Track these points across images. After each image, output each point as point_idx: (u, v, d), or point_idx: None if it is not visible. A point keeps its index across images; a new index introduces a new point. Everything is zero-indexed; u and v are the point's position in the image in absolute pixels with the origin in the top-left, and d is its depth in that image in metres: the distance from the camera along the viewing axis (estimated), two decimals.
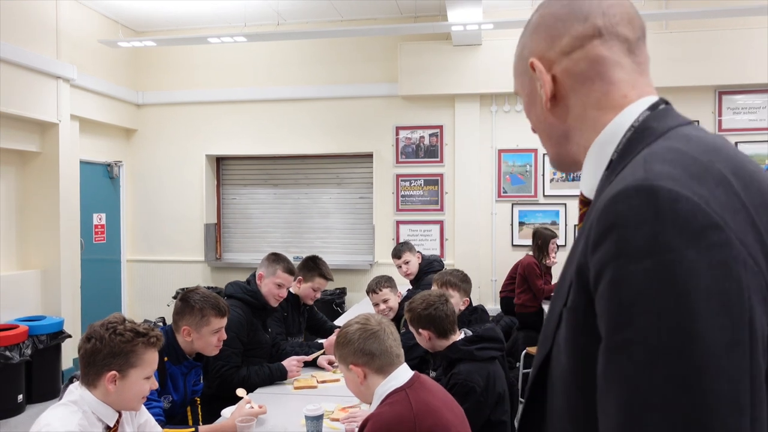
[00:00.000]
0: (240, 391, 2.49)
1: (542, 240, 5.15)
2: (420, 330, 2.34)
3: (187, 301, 2.38)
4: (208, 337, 2.37)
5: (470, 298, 3.02)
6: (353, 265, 6.48)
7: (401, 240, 6.29)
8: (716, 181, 0.65)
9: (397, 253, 4.41)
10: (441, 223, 6.35)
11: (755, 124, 5.90)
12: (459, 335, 2.33)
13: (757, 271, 0.62)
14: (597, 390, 0.65)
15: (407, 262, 4.31)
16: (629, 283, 0.62)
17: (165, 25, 6.66)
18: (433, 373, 2.75)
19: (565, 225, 6.16)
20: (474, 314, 2.75)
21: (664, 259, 0.60)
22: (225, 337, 2.44)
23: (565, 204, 6.17)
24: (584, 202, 0.85)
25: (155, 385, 1.86)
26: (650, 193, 0.63)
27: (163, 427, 2.11)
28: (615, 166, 0.76)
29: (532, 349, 4.64)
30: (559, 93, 0.84)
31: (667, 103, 0.83)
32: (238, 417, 2.25)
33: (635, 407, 0.60)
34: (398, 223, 6.41)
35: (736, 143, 5.88)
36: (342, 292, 6.27)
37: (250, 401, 2.36)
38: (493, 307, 6.11)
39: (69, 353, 5.54)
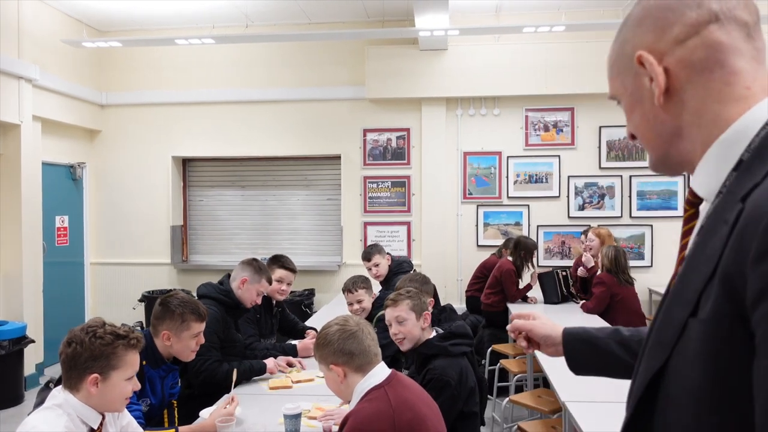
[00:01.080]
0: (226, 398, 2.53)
1: (525, 250, 5.26)
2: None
3: (167, 305, 2.41)
4: (188, 341, 2.41)
5: (436, 298, 3.12)
6: (321, 266, 6.54)
7: (369, 241, 6.38)
8: None
9: (366, 256, 4.49)
10: (408, 224, 6.47)
11: None
12: (431, 333, 2.44)
13: None
14: (756, 406, 0.60)
15: (377, 265, 4.40)
16: None
17: (131, 25, 6.59)
18: (406, 371, 2.85)
19: (528, 225, 6.35)
20: (443, 313, 2.86)
21: None
22: (203, 341, 2.48)
23: (528, 205, 6.35)
24: (692, 202, 0.82)
25: (137, 386, 1.90)
26: None
27: (143, 429, 2.14)
28: (748, 165, 0.71)
29: (498, 346, 4.79)
30: (672, 86, 0.78)
31: None
32: (217, 417, 2.29)
33: None
34: (366, 224, 6.50)
35: None
36: (311, 293, 6.32)
37: (233, 399, 2.41)
38: (459, 306, 6.25)
39: (31, 358, 5.44)
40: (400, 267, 4.35)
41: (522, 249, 5.26)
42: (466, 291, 5.99)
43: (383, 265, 4.39)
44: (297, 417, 2.29)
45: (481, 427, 4.36)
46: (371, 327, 2.00)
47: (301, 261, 6.59)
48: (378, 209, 6.50)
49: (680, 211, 6.09)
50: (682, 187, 6.18)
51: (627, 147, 6.26)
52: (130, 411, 2.14)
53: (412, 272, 3.37)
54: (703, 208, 0.79)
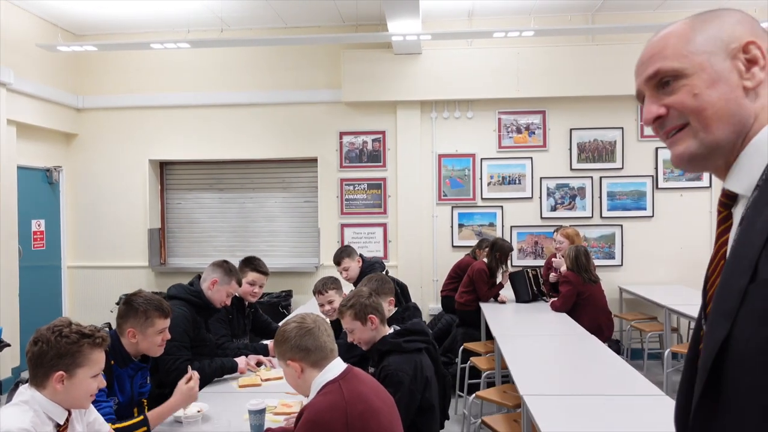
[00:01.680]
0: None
1: (501, 252, 5.35)
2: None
3: (130, 304, 2.47)
4: (153, 338, 2.47)
5: (405, 296, 3.21)
6: (299, 267, 6.61)
7: (346, 242, 6.46)
8: None
9: (336, 260, 4.58)
10: (384, 225, 6.56)
11: None
12: (388, 330, 2.53)
13: None
14: None
15: (346, 269, 4.48)
16: None
17: (106, 29, 6.61)
18: (372, 369, 2.94)
19: (502, 226, 6.47)
20: (407, 311, 2.95)
21: None
22: (168, 337, 2.54)
23: (501, 206, 6.47)
24: (725, 204, 0.89)
25: (103, 383, 1.97)
26: None
27: (113, 424, 2.21)
28: None
29: (469, 345, 4.90)
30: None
31: None
32: (182, 389, 2.39)
33: None
34: (343, 226, 6.58)
35: (657, 149, 6.34)
36: (288, 294, 6.38)
37: (193, 376, 2.49)
38: (435, 306, 6.37)
39: (7, 362, 5.45)
40: (371, 268, 4.44)
41: (497, 251, 5.36)
42: (441, 291, 6.09)
43: (353, 268, 4.47)
44: (261, 412, 2.36)
45: (452, 423, 4.48)
46: (328, 324, 2.08)
47: (278, 263, 6.69)
48: (354, 211, 6.58)
49: (649, 211, 6.28)
50: (650, 188, 6.34)
51: (597, 149, 6.41)
52: (99, 409, 2.21)
53: (373, 273, 3.45)
54: (737, 212, 0.85)
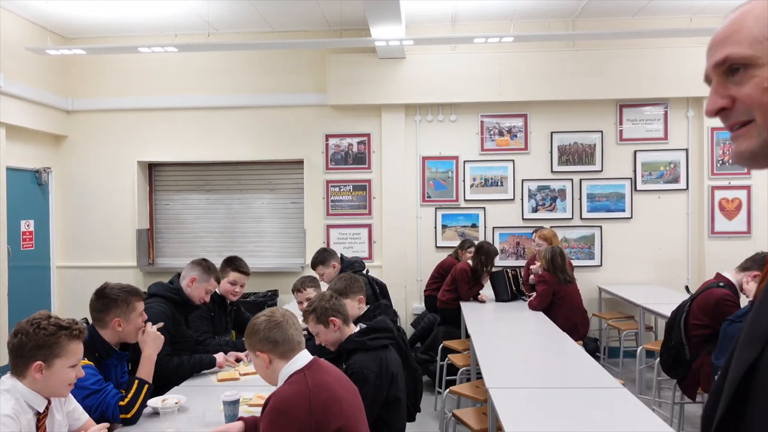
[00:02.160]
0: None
1: (486, 256, 5.45)
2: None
3: (107, 297, 2.59)
4: (136, 320, 2.64)
5: (385, 294, 3.33)
6: (285, 267, 6.71)
7: (332, 243, 6.59)
8: None
9: (313, 265, 4.71)
10: (369, 226, 6.68)
11: (651, 134, 6.51)
12: (353, 329, 2.66)
13: None
14: None
15: (322, 274, 4.61)
16: None
17: (95, 33, 6.71)
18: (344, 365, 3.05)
19: (485, 227, 6.59)
20: (378, 309, 3.07)
21: None
22: (146, 317, 2.72)
23: (484, 208, 6.60)
24: None
25: (81, 373, 2.08)
26: None
27: (118, 401, 2.42)
28: None
29: (449, 343, 5.02)
30: None
31: None
32: (146, 339, 2.68)
33: None
34: (328, 227, 6.69)
35: (635, 152, 6.49)
36: (274, 294, 6.49)
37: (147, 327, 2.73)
38: (419, 305, 6.49)
39: None
40: (351, 267, 4.55)
41: (483, 254, 5.47)
42: (425, 290, 6.22)
43: (328, 273, 4.58)
44: (235, 403, 2.48)
45: (431, 418, 4.60)
46: (296, 319, 2.20)
47: (265, 263, 6.80)
48: (340, 212, 6.70)
49: (627, 213, 6.42)
50: (629, 190, 6.49)
51: (577, 152, 6.55)
52: (107, 394, 2.40)
53: (345, 273, 3.58)
54: None
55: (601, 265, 6.50)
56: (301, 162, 6.75)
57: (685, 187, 6.46)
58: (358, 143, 6.72)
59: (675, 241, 6.42)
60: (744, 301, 3.59)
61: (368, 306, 3.19)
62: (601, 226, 6.50)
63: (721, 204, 6.33)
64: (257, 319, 2.15)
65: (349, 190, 6.71)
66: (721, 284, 3.68)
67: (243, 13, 6.18)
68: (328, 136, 6.73)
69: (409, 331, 6.21)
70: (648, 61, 6.31)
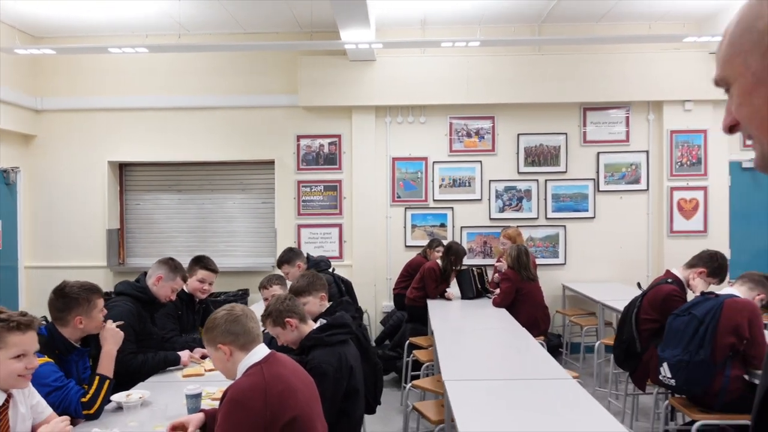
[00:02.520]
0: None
1: (456, 256, 5.60)
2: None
3: (67, 295, 2.65)
4: (97, 316, 2.71)
5: (351, 293, 3.43)
6: (256, 267, 6.78)
7: (303, 243, 6.68)
8: None
9: (278, 265, 4.80)
10: (340, 226, 6.77)
11: (614, 137, 6.72)
12: (313, 326, 2.76)
13: None
14: None
15: (287, 273, 4.69)
16: None
17: (65, 32, 6.69)
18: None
19: (453, 227, 6.74)
20: (340, 306, 3.17)
21: None
22: (105, 312, 2.79)
23: (452, 207, 6.74)
24: None
25: (33, 364, 2.13)
26: None
27: (80, 398, 2.48)
28: None
29: (415, 339, 5.14)
30: None
31: None
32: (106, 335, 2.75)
33: None
34: (299, 226, 6.77)
35: (598, 153, 6.68)
36: (245, 293, 6.55)
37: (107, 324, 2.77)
38: (388, 304, 6.61)
39: None
40: (316, 266, 4.65)
41: (452, 254, 5.62)
42: (394, 289, 6.34)
43: (293, 272, 4.65)
44: (197, 396, 2.56)
45: (396, 412, 4.71)
46: (255, 314, 2.30)
47: (236, 262, 6.86)
48: (311, 212, 6.78)
49: (590, 213, 6.61)
50: (592, 191, 6.68)
51: (542, 153, 6.73)
52: (69, 391, 2.45)
53: (308, 271, 3.67)
54: None
55: (565, 263, 6.68)
56: (272, 162, 6.81)
57: (646, 188, 6.68)
58: (329, 144, 6.81)
59: (636, 240, 6.64)
60: (691, 297, 3.76)
61: (331, 303, 3.29)
62: (565, 226, 6.69)
63: (680, 204, 6.57)
64: (217, 314, 2.24)
65: (320, 190, 6.80)
66: (670, 281, 3.86)
67: (214, 14, 6.23)
68: (299, 137, 6.81)
69: (379, 329, 6.33)
70: (611, 65, 6.51)
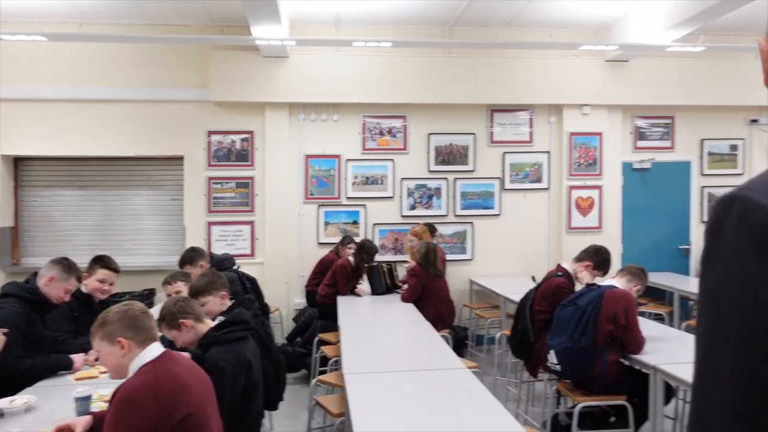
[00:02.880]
0: None
1: (368, 254, 5.69)
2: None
3: None
4: None
5: (243, 290, 3.43)
6: (163, 265, 6.57)
7: (213, 240, 6.57)
8: None
9: (180, 265, 4.70)
10: (252, 223, 6.71)
11: (518, 138, 7.05)
12: (210, 324, 2.76)
13: None
14: None
15: (189, 273, 4.60)
16: (702, 283, 0.70)
17: None
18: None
19: (365, 224, 6.84)
20: (242, 303, 3.18)
21: (728, 267, 0.65)
22: None
23: (365, 205, 6.85)
24: None
25: None
26: (728, 203, 0.66)
27: None
28: None
29: (324, 335, 5.20)
30: None
31: None
32: None
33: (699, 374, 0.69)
34: (210, 224, 6.65)
35: (504, 153, 6.99)
36: (151, 292, 6.37)
37: None
38: (300, 301, 6.62)
39: None
40: (220, 264, 4.61)
41: (365, 252, 5.71)
42: (306, 286, 6.37)
43: (195, 272, 4.52)
44: (86, 399, 2.50)
45: (305, 408, 4.74)
46: (151, 313, 2.28)
47: (143, 261, 6.66)
48: (222, 209, 6.68)
49: (496, 210, 6.90)
50: (498, 189, 6.98)
51: (452, 152, 6.95)
52: None
53: (208, 270, 3.65)
54: None
55: (472, 259, 6.95)
56: (181, 158, 6.65)
57: (547, 187, 7.05)
58: (242, 140, 6.73)
59: (537, 235, 7.00)
60: (579, 289, 4.04)
61: (233, 301, 3.29)
62: (472, 223, 6.95)
63: (577, 202, 6.99)
64: (114, 308, 2.20)
65: (232, 187, 6.71)
66: (560, 274, 4.13)
67: (119, 3, 5.99)
68: (210, 133, 6.69)
69: (291, 326, 6.34)
70: (516, 69, 6.82)
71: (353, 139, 6.87)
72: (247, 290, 4.53)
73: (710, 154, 7.31)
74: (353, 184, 6.84)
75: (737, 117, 7.31)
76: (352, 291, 5.66)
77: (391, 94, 6.71)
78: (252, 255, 6.63)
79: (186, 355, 2.58)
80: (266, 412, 3.37)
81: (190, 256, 4.64)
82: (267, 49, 6.35)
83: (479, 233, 6.96)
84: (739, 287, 0.65)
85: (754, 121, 7.30)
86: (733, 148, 7.34)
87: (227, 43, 6.24)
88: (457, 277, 6.80)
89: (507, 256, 6.96)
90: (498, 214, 6.98)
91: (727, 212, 0.66)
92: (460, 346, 6.09)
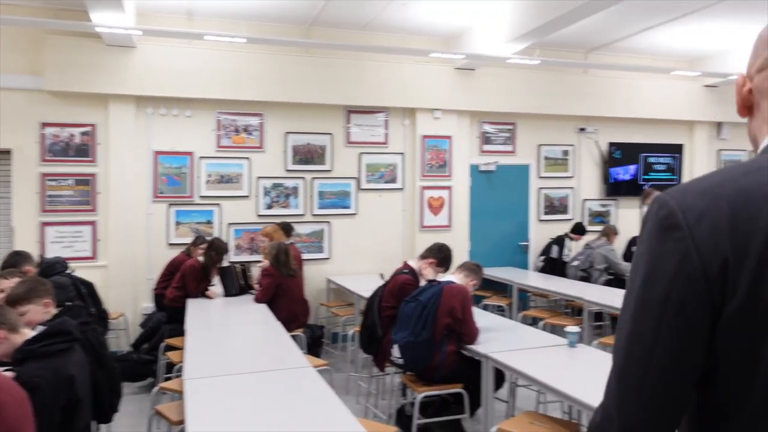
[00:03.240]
0: None
1: (216, 252, 5.52)
2: None
3: None
4: None
5: (79, 296, 3.20)
6: None
7: (47, 243, 6.04)
8: (720, 198, 0.83)
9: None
10: (93, 223, 6.25)
11: (374, 139, 7.24)
12: (29, 335, 2.54)
13: (697, 263, 0.83)
14: None
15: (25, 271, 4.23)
16: (633, 261, 0.92)
17: None
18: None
19: (220, 224, 6.65)
20: (69, 311, 2.96)
21: (643, 245, 0.90)
22: None
23: (219, 204, 6.65)
24: None
25: None
26: (653, 201, 0.90)
27: None
28: None
29: (171, 340, 4.98)
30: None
31: None
32: None
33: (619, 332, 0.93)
34: (44, 224, 6.09)
35: (360, 154, 7.14)
36: None
37: None
38: (148, 305, 6.29)
39: None
40: (52, 268, 4.26)
41: (213, 250, 5.55)
42: (155, 289, 6.05)
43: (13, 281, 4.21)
44: None
45: (143, 417, 4.52)
46: None
47: None
48: (59, 209, 6.14)
49: (353, 209, 7.03)
50: (354, 189, 7.13)
51: (309, 151, 6.98)
52: None
53: (31, 276, 3.37)
54: None
55: (330, 257, 7.03)
56: (8, 152, 6.02)
57: (401, 187, 7.32)
58: (81, 134, 6.24)
59: (392, 234, 7.25)
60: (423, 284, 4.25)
61: (60, 308, 3.05)
62: (329, 222, 7.03)
63: (429, 202, 7.33)
64: None
65: (71, 184, 6.20)
66: (406, 271, 4.32)
67: None
68: (44, 125, 6.12)
69: (138, 332, 5.99)
70: (373, 72, 6.99)
71: (207, 136, 6.65)
72: (82, 296, 4.22)
73: (546, 158, 8.02)
74: (207, 182, 6.62)
75: (569, 125, 8.10)
76: (203, 293, 5.48)
77: (247, 91, 6.59)
78: (93, 258, 6.18)
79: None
80: (104, 425, 3.17)
81: (14, 260, 4.21)
82: (110, 38, 5.95)
83: (336, 232, 7.06)
84: (645, 258, 0.89)
85: (582, 129, 8.13)
86: (565, 153, 8.12)
87: (62, 28, 5.75)
88: (314, 276, 6.84)
89: (363, 255, 7.12)
90: (354, 214, 7.12)
91: (651, 208, 0.90)
92: (316, 345, 6.15)
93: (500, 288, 7.13)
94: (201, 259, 5.56)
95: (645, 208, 6.90)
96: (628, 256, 7.55)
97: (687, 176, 8.59)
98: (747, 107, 0.99)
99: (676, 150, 8.49)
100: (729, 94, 8.51)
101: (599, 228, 7.50)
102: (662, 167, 8.41)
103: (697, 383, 0.88)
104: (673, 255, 0.84)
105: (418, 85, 7.14)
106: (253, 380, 3.06)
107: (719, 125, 8.78)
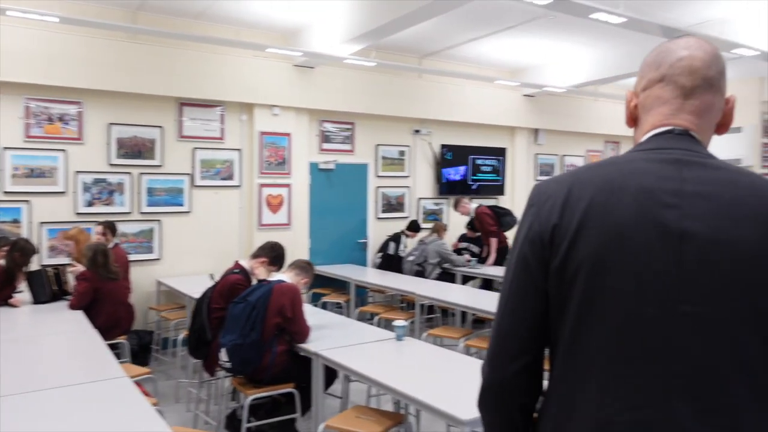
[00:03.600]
0: None
1: (21, 253, 4.93)
2: None
3: None
4: None
5: None
6: None
7: None
8: (565, 184, 1.11)
9: None
10: None
11: (210, 134, 6.95)
12: None
13: (537, 231, 1.11)
14: None
15: None
16: None
17: None
18: None
19: (30, 222, 5.96)
20: None
21: (521, 218, 1.19)
22: None
23: (28, 201, 5.96)
24: None
25: None
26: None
27: None
28: None
29: None
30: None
31: (670, 132, 1.12)
32: None
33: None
34: None
35: (194, 149, 6.81)
36: None
37: None
38: None
39: None
40: None
41: (17, 251, 4.95)
42: None
43: None
44: None
45: None
46: None
47: None
48: None
49: (187, 207, 6.70)
50: (188, 185, 6.79)
51: (137, 145, 6.51)
52: None
53: None
54: None
55: (160, 258, 6.62)
56: None
57: (239, 184, 7.12)
58: None
59: (229, 232, 7.03)
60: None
61: None
62: (160, 220, 6.62)
63: (268, 200, 7.21)
64: None
65: None
66: (237, 271, 4.20)
67: None
68: None
69: None
70: (208, 64, 6.69)
71: (13, 125, 5.92)
72: None
73: (383, 158, 8.28)
74: (13, 176, 5.90)
75: (404, 127, 8.43)
76: (6, 301, 4.86)
77: (63, 76, 5.97)
78: None
79: None
80: None
81: None
82: None
83: (168, 231, 6.67)
84: (519, 228, 1.17)
85: (417, 131, 8.52)
86: (402, 153, 8.44)
87: None
88: (142, 279, 6.40)
89: (197, 254, 6.81)
90: (188, 212, 6.78)
91: (532, 190, 1.18)
92: (144, 352, 5.78)
93: (339, 285, 7.22)
94: (2, 262, 4.93)
95: (458, 213, 7.36)
96: (459, 250, 8.05)
97: (509, 178, 9.38)
98: (633, 119, 1.21)
99: (500, 153, 9.23)
100: (545, 104, 9.46)
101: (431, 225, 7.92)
102: (488, 168, 9.10)
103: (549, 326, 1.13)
104: (525, 225, 1.14)
105: (256, 80, 6.99)
106: (59, 396, 2.77)
107: (536, 131, 9.71)
